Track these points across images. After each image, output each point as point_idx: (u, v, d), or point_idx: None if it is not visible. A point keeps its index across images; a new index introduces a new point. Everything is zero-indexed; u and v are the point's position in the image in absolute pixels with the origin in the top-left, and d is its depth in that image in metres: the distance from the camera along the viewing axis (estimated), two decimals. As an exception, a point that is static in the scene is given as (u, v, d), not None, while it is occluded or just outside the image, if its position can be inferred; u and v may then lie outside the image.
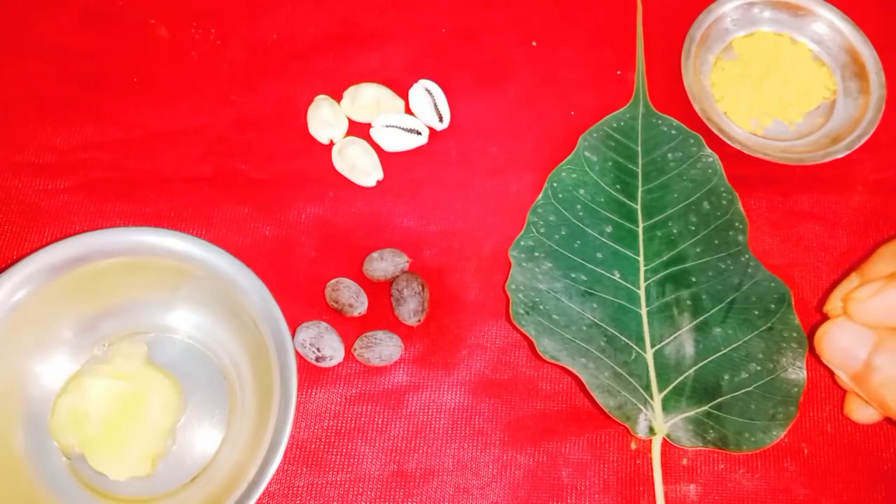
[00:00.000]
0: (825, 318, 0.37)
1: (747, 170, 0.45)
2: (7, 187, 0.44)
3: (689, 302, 0.40)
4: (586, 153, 0.44)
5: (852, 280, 0.37)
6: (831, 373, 0.39)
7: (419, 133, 0.45)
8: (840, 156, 0.44)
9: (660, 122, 0.45)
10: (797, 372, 0.38)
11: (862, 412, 0.38)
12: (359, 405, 0.41)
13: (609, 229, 0.42)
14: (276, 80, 0.47)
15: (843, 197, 0.45)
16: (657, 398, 0.38)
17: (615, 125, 0.45)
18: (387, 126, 0.45)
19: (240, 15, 0.49)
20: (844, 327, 0.35)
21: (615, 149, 0.44)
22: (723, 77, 0.47)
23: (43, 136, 0.45)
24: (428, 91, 0.46)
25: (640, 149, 0.44)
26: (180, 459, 0.39)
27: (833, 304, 0.37)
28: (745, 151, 0.44)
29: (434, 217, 0.44)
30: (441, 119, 0.46)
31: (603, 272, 0.41)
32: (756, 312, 0.40)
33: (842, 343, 0.35)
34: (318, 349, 0.40)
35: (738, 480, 0.40)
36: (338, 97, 0.46)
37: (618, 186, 0.43)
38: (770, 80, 0.46)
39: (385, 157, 0.45)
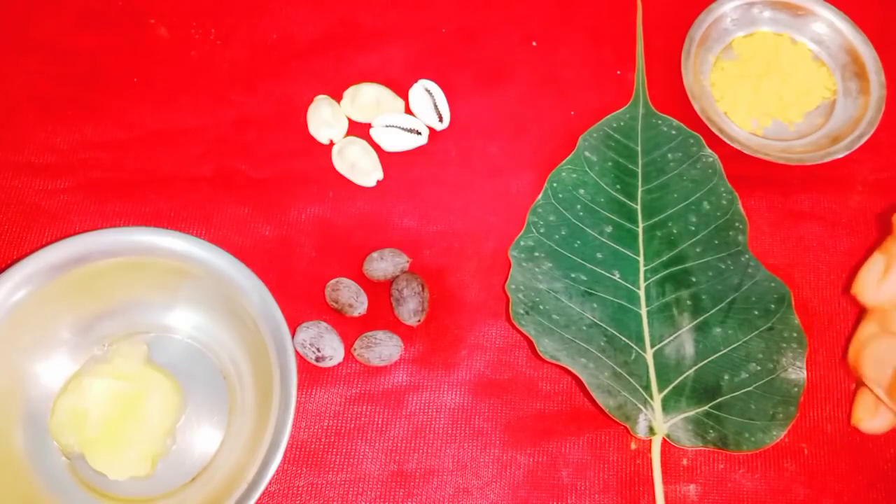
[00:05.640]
0: (852, 299, 0.38)
1: (747, 170, 0.44)
2: (7, 187, 0.44)
3: (689, 302, 0.40)
4: (586, 153, 0.44)
5: (876, 259, 0.37)
6: (831, 373, 0.40)
7: (419, 133, 0.45)
8: (840, 156, 0.44)
9: (660, 122, 0.45)
10: (797, 372, 0.38)
11: (870, 422, 0.38)
12: (359, 405, 0.41)
13: (609, 229, 0.42)
14: (276, 80, 0.47)
15: (843, 197, 0.45)
16: (657, 398, 0.38)
17: (615, 125, 0.45)
18: (387, 126, 0.45)
19: (240, 15, 0.49)
20: (878, 342, 0.36)
21: (615, 149, 0.44)
22: (723, 77, 0.47)
23: (43, 136, 0.45)
24: (428, 91, 0.46)
25: (640, 149, 0.44)
26: (180, 459, 0.39)
27: (860, 287, 0.37)
28: (745, 151, 0.44)
29: (434, 217, 0.44)
30: (441, 119, 0.46)
31: (603, 272, 0.41)
32: (756, 312, 0.40)
33: (875, 356, 0.36)
34: (318, 349, 0.40)
35: (738, 480, 0.40)
36: (338, 97, 0.46)
37: (618, 186, 0.43)
38: (770, 80, 0.46)
39: (385, 156, 0.45)
